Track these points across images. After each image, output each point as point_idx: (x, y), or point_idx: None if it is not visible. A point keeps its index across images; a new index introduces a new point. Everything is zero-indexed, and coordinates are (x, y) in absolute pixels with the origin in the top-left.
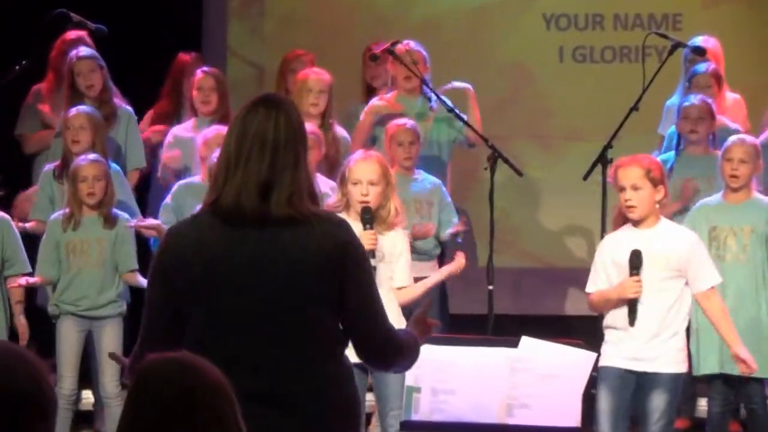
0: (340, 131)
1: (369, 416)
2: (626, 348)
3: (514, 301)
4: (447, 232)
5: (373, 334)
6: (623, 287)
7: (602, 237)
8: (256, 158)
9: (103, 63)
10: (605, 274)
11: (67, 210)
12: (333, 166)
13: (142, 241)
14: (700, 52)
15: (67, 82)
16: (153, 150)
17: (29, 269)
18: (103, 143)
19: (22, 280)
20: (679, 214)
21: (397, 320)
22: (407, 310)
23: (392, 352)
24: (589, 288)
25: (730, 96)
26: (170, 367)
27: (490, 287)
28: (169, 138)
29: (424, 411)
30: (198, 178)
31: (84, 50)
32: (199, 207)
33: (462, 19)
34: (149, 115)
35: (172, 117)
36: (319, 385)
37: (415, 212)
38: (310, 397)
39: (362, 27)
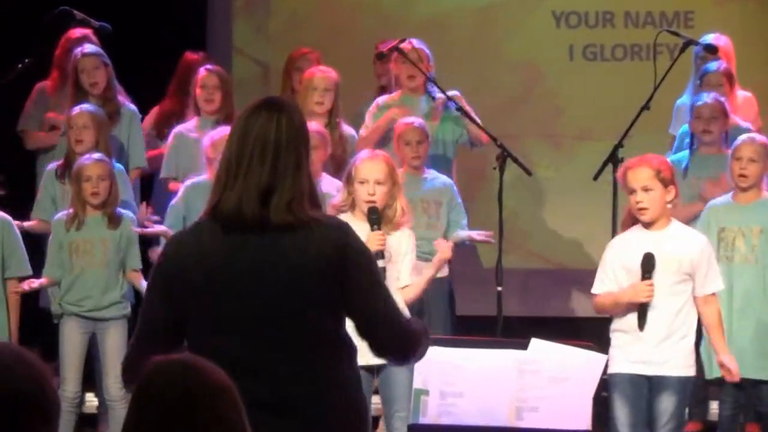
0: (348, 130)
1: (376, 419)
2: (635, 352)
3: (523, 302)
4: (460, 235)
5: (387, 331)
6: (635, 291)
7: (613, 237)
8: (257, 162)
9: (108, 61)
10: (614, 275)
11: (71, 210)
12: (340, 166)
13: (143, 242)
14: (711, 50)
15: (72, 79)
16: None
17: (29, 271)
18: (106, 142)
19: (25, 285)
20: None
21: None
22: (411, 308)
23: (410, 344)
24: (596, 289)
25: (741, 94)
26: (174, 369)
27: (499, 288)
28: (171, 139)
29: (432, 414)
30: (205, 177)
31: (89, 47)
32: None
33: (469, 17)
34: (154, 112)
35: (178, 116)
36: (323, 389)
37: (422, 212)
38: (313, 402)
39: (367, 25)
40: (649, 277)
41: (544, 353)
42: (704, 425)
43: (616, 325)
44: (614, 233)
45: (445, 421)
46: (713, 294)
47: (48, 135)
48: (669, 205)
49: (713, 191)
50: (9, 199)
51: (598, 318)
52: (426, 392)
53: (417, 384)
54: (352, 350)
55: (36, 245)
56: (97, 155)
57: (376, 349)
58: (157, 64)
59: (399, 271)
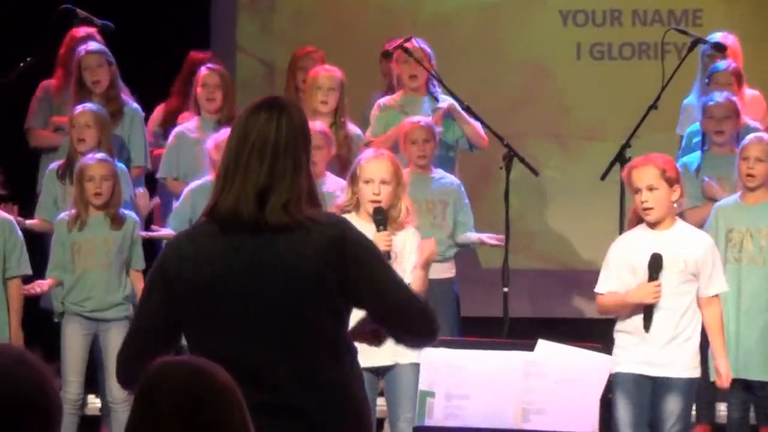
0: (353, 129)
1: (381, 422)
2: (640, 352)
3: (530, 303)
4: (470, 237)
5: (402, 317)
6: (642, 293)
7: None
8: (255, 163)
9: (112, 59)
10: (618, 275)
11: (74, 210)
12: (345, 165)
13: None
14: (720, 49)
15: (75, 77)
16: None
17: (30, 271)
18: (108, 142)
19: (36, 287)
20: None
21: None
22: None
23: (429, 323)
24: (600, 288)
25: (749, 92)
26: (178, 371)
27: (505, 289)
28: (171, 138)
29: (437, 416)
30: (209, 179)
31: (93, 45)
32: None
33: (475, 15)
34: (160, 111)
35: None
36: (323, 391)
37: (427, 212)
38: (314, 404)
39: (372, 24)
40: (657, 278)
41: (550, 355)
42: (712, 428)
43: (621, 326)
44: (621, 233)
45: (451, 423)
46: (716, 296)
47: (52, 135)
48: (674, 205)
49: (712, 190)
50: (12, 198)
51: (606, 319)
52: (432, 394)
53: (422, 386)
54: (352, 351)
55: (37, 245)
56: (100, 155)
57: (399, 335)
58: (160, 63)
59: (404, 271)
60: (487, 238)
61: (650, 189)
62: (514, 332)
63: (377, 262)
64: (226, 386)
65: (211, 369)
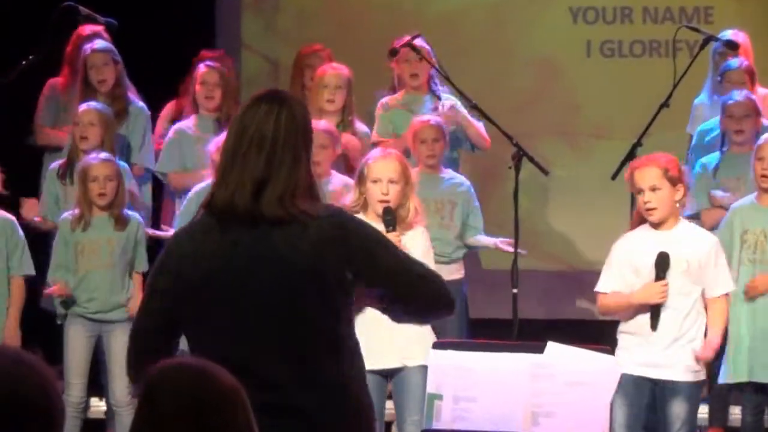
0: (361, 127)
1: (389, 425)
2: (642, 354)
3: (540, 305)
4: (481, 240)
5: (417, 295)
6: (649, 292)
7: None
8: (253, 155)
9: (119, 58)
10: (621, 275)
11: (77, 210)
12: (351, 164)
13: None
14: (732, 47)
15: (80, 75)
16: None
17: (32, 271)
18: (112, 141)
19: (55, 290)
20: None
21: None
22: None
23: (444, 298)
24: (601, 288)
25: (762, 91)
26: (182, 373)
27: (515, 291)
28: (172, 134)
29: (445, 419)
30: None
31: (99, 43)
32: None
33: (484, 12)
34: (170, 110)
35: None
36: (323, 390)
37: (434, 212)
38: (314, 404)
39: (378, 21)
40: (664, 277)
41: (560, 357)
42: (725, 431)
43: (624, 326)
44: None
45: (459, 426)
46: (722, 296)
47: (60, 134)
48: (678, 205)
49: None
50: (14, 198)
51: (617, 322)
52: (439, 397)
53: (430, 388)
54: (353, 349)
55: (41, 245)
56: (103, 155)
57: (416, 311)
58: (164, 61)
59: None
60: (501, 243)
61: (653, 189)
62: (524, 334)
63: (383, 245)
64: (230, 388)
65: (215, 370)
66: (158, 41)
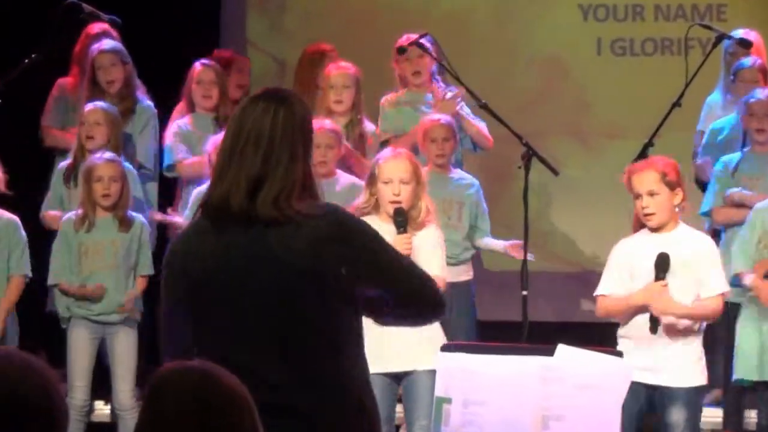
0: (369, 126)
1: (398, 428)
2: (640, 358)
3: (550, 307)
4: (489, 244)
5: (411, 297)
6: (649, 293)
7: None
8: (250, 153)
9: (128, 58)
10: (620, 278)
11: (80, 211)
12: (358, 163)
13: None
14: (745, 45)
15: (88, 75)
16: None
17: (29, 272)
18: (118, 141)
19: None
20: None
21: None
22: None
23: (438, 302)
24: (601, 290)
25: None
26: (187, 376)
27: (524, 292)
28: (174, 129)
29: (454, 423)
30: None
31: (107, 44)
32: None
33: (492, 9)
34: (180, 111)
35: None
36: (323, 390)
37: (442, 212)
38: (315, 404)
39: (384, 20)
40: (664, 278)
41: (570, 360)
42: None
43: (622, 330)
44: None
45: (468, 430)
46: (717, 296)
47: (68, 135)
48: (677, 209)
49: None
50: (20, 198)
51: None
52: (448, 400)
53: (439, 392)
54: (356, 350)
55: (44, 246)
56: (108, 155)
57: (407, 313)
58: (169, 60)
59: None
60: (511, 248)
61: (651, 194)
62: (534, 336)
63: (383, 245)
64: (235, 390)
65: (220, 373)
66: (163, 40)
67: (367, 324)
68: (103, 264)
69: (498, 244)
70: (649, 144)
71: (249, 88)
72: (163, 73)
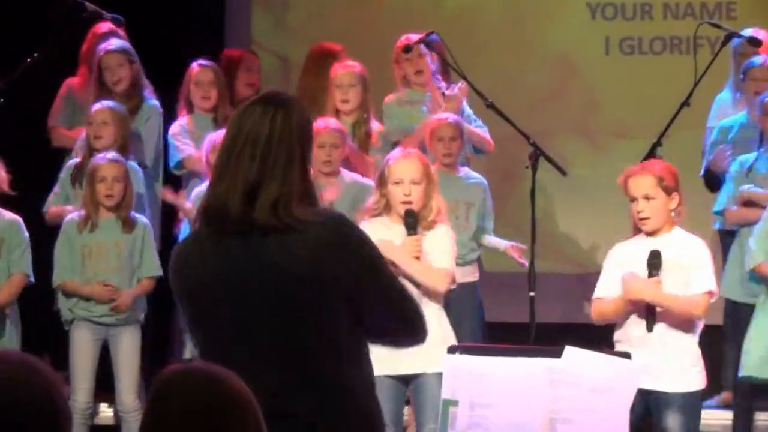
0: (377, 125)
1: (404, 430)
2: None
3: (558, 308)
4: (491, 242)
5: (394, 318)
6: (644, 286)
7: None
8: (246, 158)
9: (135, 57)
10: (616, 282)
11: (83, 211)
12: (362, 162)
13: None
14: (755, 44)
15: (95, 75)
16: None
17: (28, 272)
18: (126, 139)
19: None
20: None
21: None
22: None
23: (420, 330)
24: (597, 294)
25: None
26: (189, 378)
27: (532, 294)
28: (177, 128)
29: (461, 426)
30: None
31: (113, 44)
32: None
33: (500, 8)
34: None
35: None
36: (324, 395)
37: (450, 212)
38: (315, 408)
39: (389, 18)
40: (657, 274)
41: (578, 362)
42: None
43: (618, 335)
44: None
45: None
46: (704, 293)
47: (73, 136)
48: (672, 214)
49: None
50: (25, 197)
51: None
52: (455, 403)
53: (445, 394)
54: (359, 353)
55: (46, 247)
56: (111, 155)
57: (387, 335)
58: (172, 58)
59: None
60: (513, 250)
61: (647, 198)
62: (541, 338)
63: (383, 263)
64: (239, 393)
65: (224, 375)
66: (167, 38)
67: None
68: (107, 265)
69: (500, 243)
70: (658, 143)
71: (259, 87)
72: (167, 72)
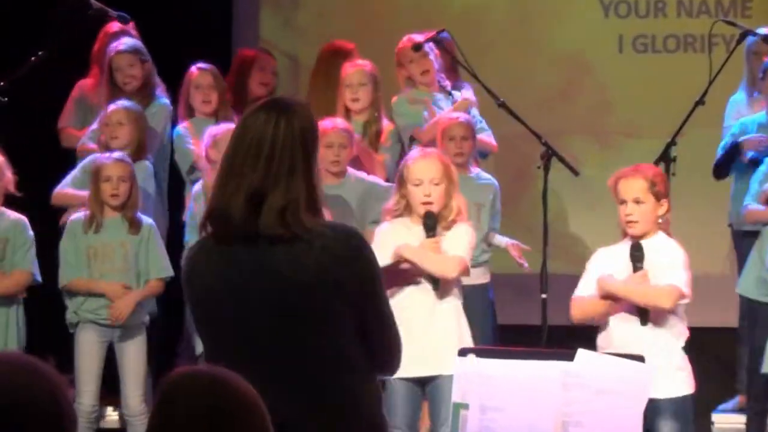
0: (387, 125)
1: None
2: None
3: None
4: (495, 240)
5: (386, 346)
6: (630, 281)
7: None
8: (250, 166)
9: (147, 56)
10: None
11: (88, 211)
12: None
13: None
14: None
15: (106, 76)
16: None
17: (31, 269)
18: (142, 138)
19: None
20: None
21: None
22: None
23: (398, 355)
24: (578, 293)
25: None
26: (196, 381)
27: (544, 296)
28: (181, 131)
29: (472, 430)
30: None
31: (124, 44)
32: None
33: (511, 5)
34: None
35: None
36: (331, 408)
37: None
38: (324, 423)
39: (399, 17)
40: (642, 267)
41: (591, 365)
42: None
43: (600, 340)
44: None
45: None
46: (670, 286)
47: (80, 134)
48: (660, 220)
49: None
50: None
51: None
52: (466, 406)
53: (456, 397)
54: (365, 366)
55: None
56: (117, 154)
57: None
58: (181, 57)
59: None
60: (513, 247)
61: (636, 202)
62: (553, 341)
63: (384, 289)
64: (246, 395)
65: (231, 378)
66: (175, 38)
67: None
68: (113, 267)
69: (502, 241)
70: (672, 143)
71: (274, 87)
72: (174, 72)
